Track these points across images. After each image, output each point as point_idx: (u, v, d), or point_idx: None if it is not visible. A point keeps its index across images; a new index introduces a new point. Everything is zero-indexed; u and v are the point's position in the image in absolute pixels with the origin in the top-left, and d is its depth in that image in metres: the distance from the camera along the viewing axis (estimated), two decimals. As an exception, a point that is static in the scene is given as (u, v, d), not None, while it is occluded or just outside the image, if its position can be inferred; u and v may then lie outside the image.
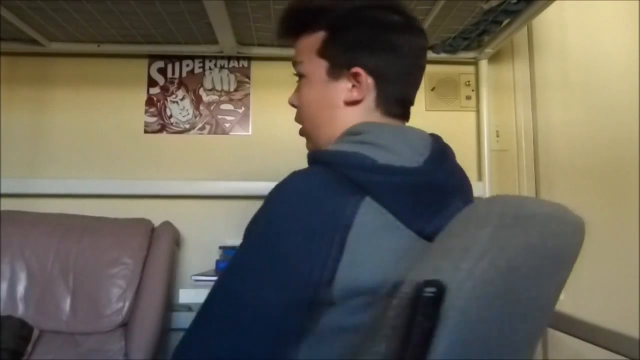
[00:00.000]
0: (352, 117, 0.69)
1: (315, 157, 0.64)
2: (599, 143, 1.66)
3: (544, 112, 1.67)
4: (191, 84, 1.64)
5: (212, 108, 1.64)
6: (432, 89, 1.68)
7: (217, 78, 1.65)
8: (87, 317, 1.25)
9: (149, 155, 1.61)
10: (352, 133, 0.66)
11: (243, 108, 1.64)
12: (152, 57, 1.64)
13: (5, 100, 1.60)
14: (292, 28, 0.74)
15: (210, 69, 1.65)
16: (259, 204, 0.60)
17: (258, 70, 1.65)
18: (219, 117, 1.63)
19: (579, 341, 1.13)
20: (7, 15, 1.28)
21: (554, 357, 1.55)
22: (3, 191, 1.50)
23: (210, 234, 1.56)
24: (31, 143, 1.59)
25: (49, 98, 1.61)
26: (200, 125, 1.63)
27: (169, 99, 1.63)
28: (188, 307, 1.48)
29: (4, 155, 1.57)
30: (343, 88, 0.69)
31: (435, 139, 0.68)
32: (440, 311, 0.44)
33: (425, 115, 1.67)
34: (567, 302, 1.51)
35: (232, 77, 1.65)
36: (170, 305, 1.39)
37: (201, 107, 1.64)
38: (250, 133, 1.63)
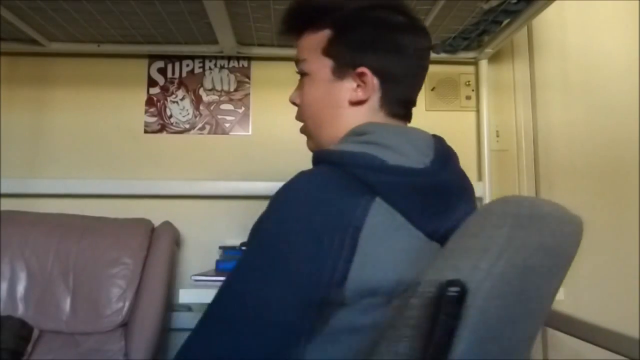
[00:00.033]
0: (356, 117, 0.69)
1: (322, 156, 0.64)
2: (599, 143, 1.66)
3: (544, 112, 1.68)
4: (191, 84, 1.64)
5: (212, 108, 1.64)
6: (432, 89, 1.68)
7: (217, 78, 1.65)
8: (87, 317, 1.26)
9: (149, 155, 1.61)
10: (357, 133, 0.65)
11: (243, 108, 1.64)
12: (152, 57, 1.64)
13: (5, 100, 1.60)
14: (296, 25, 0.74)
15: (210, 69, 1.65)
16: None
17: (258, 70, 1.65)
18: (219, 117, 1.63)
19: (578, 341, 1.13)
20: (7, 15, 1.28)
21: (554, 357, 1.55)
22: (3, 191, 1.50)
23: (210, 234, 1.56)
24: (31, 143, 1.59)
25: (49, 98, 1.61)
26: (200, 125, 1.63)
27: (169, 99, 1.63)
28: (188, 307, 1.48)
29: (4, 155, 1.57)
30: (348, 88, 0.69)
31: (438, 140, 0.68)
32: (462, 311, 0.45)
33: (425, 115, 1.67)
34: (567, 302, 1.52)
35: (232, 77, 1.65)
36: (170, 305, 1.39)
37: (201, 107, 1.64)
38: (250, 133, 1.63)
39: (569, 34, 1.71)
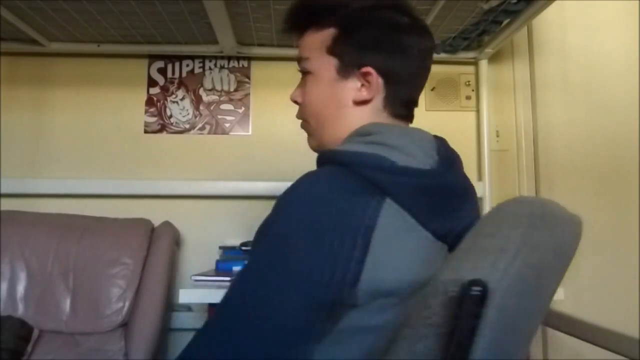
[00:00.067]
0: (359, 117, 0.68)
1: (329, 157, 0.63)
2: (599, 143, 1.66)
3: (544, 112, 1.68)
4: (191, 84, 1.64)
5: (212, 108, 1.64)
6: (432, 89, 1.68)
7: (217, 78, 1.65)
8: (87, 317, 1.26)
9: (149, 155, 1.61)
10: (362, 134, 0.65)
11: (243, 108, 1.64)
12: (152, 57, 1.64)
13: (5, 100, 1.60)
14: (299, 23, 0.73)
15: (210, 69, 1.65)
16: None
17: (258, 70, 1.65)
18: (219, 117, 1.63)
19: (578, 341, 1.13)
20: (7, 15, 1.28)
21: (554, 357, 1.55)
22: (3, 191, 1.50)
23: (210, 234, 1.56)
24: (31, 143, 1.59)
25: (49, 98, 1.61)
26: (200, 125, 1.63)
27: (169, 99, 1.63)
28: (188, 307, 1.48)
29: (4, 155, 1.57)
30: (352, 87, 0.69)
31: (441, 142, 0.68)
32: (483, 309, 0.46)
33: (426, 115, 1.67)
34: (567, 302, 1.52)
35: (232, 77, 1.65)
36: (170, 305, 1.39)
37: (201, 107, 1.64)
38: (250, 133, 1.63)
39: (569, 34, 1.71)
